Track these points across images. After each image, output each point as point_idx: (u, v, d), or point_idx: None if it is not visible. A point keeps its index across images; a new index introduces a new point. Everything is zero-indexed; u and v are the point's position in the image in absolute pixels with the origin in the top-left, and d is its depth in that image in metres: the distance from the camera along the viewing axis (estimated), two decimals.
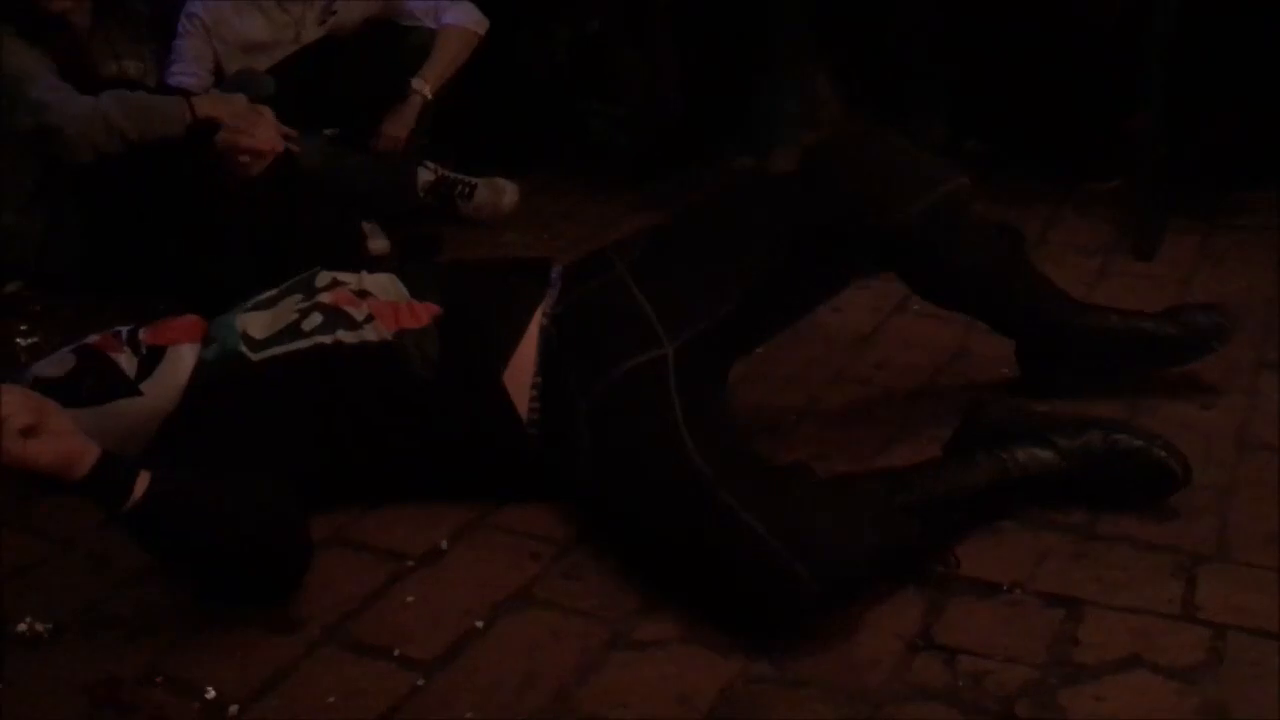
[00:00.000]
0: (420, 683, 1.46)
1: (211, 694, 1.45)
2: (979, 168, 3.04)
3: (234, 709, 1.43)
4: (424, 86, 2.76)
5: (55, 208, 2.53)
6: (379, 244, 2.67)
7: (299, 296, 1.82)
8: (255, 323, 1.78)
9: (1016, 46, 3.00)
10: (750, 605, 1.47)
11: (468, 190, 2.94)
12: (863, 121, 3.24)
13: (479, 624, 1.56)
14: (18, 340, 2.41)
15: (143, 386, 1.72)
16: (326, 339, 1.74)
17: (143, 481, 1.41)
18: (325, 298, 1.80)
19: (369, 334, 1.75)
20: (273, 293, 1.85)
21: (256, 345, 1.75)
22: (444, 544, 1.71)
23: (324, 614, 1.58)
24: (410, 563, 1.68)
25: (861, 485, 1.61)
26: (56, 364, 1.76)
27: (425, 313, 1.77)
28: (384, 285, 1.83)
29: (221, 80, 2.70)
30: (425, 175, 2.93)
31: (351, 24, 2.82)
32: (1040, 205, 2.84)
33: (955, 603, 1.54)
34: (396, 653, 1.51)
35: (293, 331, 1.75)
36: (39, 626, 1.56)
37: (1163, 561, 1.61)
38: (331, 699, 1.44)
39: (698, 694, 1.42)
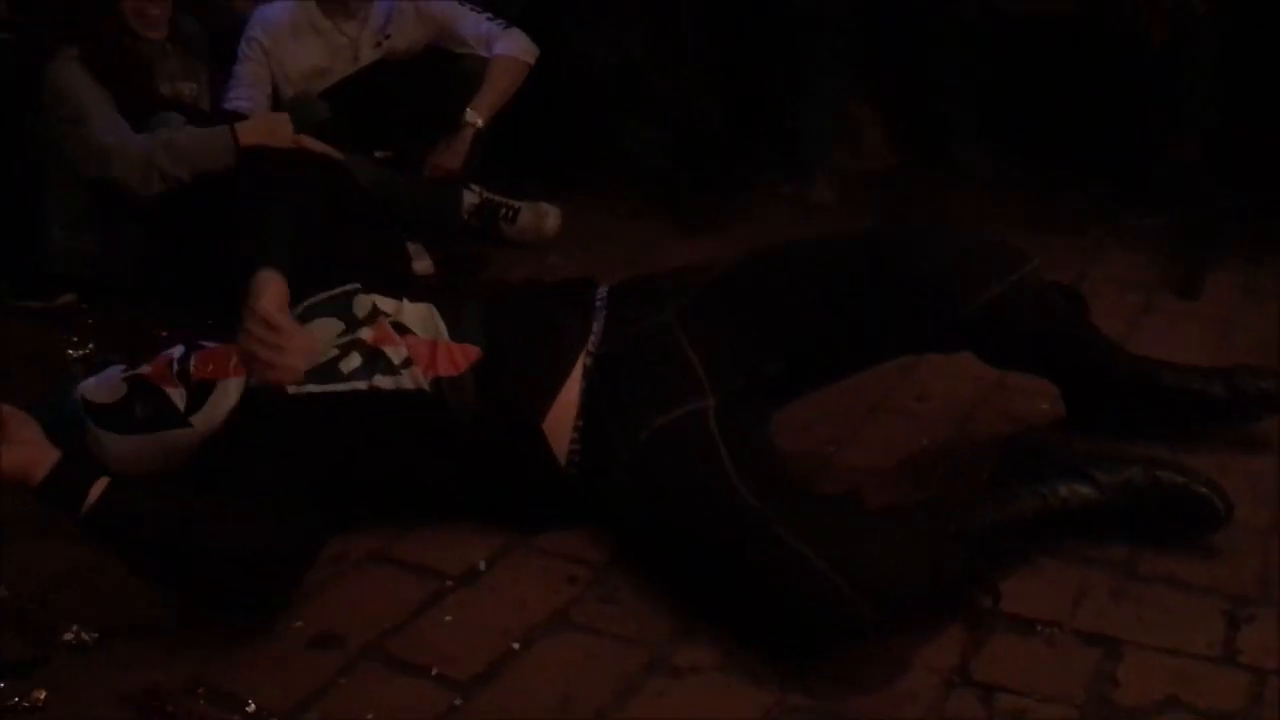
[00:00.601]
0: (458, 702, 1.48)
1: (252, 707, 1.47)
2: (1022, 199, 3.07)
3: None
4: (477, 118, 2.78)
5: (111, 223, 2.57)
6: (423, 264, 2.70)
7: (338, 324, 1.81)
8: None
9: (1060, 77, 3.00)
10: (801, 632, 1.47)
11: (511, 214, 2.97)
12: (898, 151, 3.26)
13: (516, 645, 1.57)
14: (69, 352, 2.45)
15: (193, 419, 1.76)
16: (363, 385, 1.74)
17: (99, 487, 1.48)
18: (365, 334, 1.79)
19: (406, 381, 1.75)
20: (314, 301, 1.84)
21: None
22: (482, 565, 1.73)
23: (363, 631, 1.60)
24: (449, 582, 1.69)
25: (910, 514, 1.61)
26: (108, 390, 1.79)
27: (464, 358, 1.77)
28: (423, 319, 1.82)
29: (278, 104, 2.74)
30: (470, 198, 2.96)
31: (405, 49, 2.86)
32: (1083, 239, 2.83)
33: (994, 639, 1.54)
34: (435, 672, 1.52)
35: (330, 372, 1.76)
36: (85, 635, 1.59)
37: (1204, 603, 1.60)
38: (370, 716, 1.46)
39: None
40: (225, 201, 2.15)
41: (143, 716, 1.47)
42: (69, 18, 2.54)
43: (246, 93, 2.72)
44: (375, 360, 1.77)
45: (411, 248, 2.64)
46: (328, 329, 1.81)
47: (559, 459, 1.74)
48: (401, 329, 1.80)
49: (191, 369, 1.78)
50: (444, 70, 2.85)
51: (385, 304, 1.84)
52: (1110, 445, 1.79)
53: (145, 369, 1.81)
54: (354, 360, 1.77)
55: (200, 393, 1.77)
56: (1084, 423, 1.95)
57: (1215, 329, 2.38)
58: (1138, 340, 2.32)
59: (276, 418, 1.74)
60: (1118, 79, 2.90)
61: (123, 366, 1.83)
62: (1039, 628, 1.56)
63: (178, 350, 1.81)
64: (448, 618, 1.63)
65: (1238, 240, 2.71)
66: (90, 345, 2.47)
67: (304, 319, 1.83)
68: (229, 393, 1.77)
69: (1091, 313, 1.98)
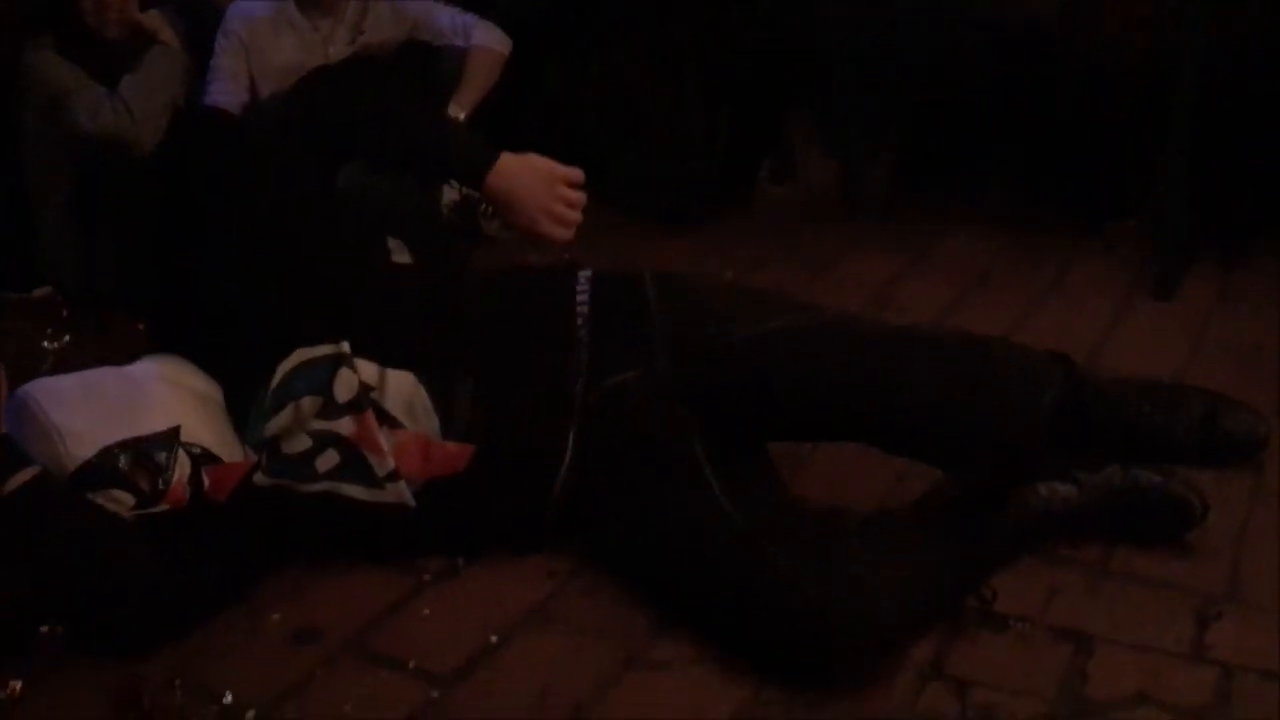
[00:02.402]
0: (436, 695, 1.48)
1: (229, 699, 1.47)
2: (1003, 202, 3.09)
3: (251, 714, 1.45)
4: (459, 112, 2.80)
5: (88, 235, 2.58)
6: (402, 257, 2.70)
7: (318, 402, 1.62)
8: (274, 426, 1.64)
9: (1038, 84, 3.02)
10: (789, 654, 1.47)
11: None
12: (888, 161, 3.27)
13: (494, 639, 1.57)
14: (44, 344, 2.46)
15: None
16: (337, 488, 1.63)
17: (22, 477, 1.46)
18: (346, 427, 1.61)
19: (387, 495, 1.63)
20: (295, 367, 1.64)
21: (268, 466, 1.64)
22: (460, 561, 1.73)
23: (342, 625, 1.60)
24: (427, 577, 1.70)
25: (896, 531, 1.62)
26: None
27: (461, 457, 1.64)
28: (407, 399, 1.63)
29: (257, 100, 2.74)
30: (450, 194, 2.95)
31: (380, 43, 2.86)
32: (1060, 242, 2.86)
33: (968, 634, 1.55)
34: (413, 665, 1.53)
35: (304, 466, 1.62)
36: (62, 628, 1.58)
37: (1174, 600, 1.62)
38: (348, 708, 1.46)
39: (710, 716, 1.43)
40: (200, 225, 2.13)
41: (120, 709, 1.47)
42: (39, 8, 2.58)
43: (227, 87, 2.72)
44: (355, 465, 1.62)
45: (392, 244, 2.64)
46: (306, 410, 1.62)
47: (546, 510, 1.69)
48: (386, 418, 1.63)
49: (206, 485, 1.62)
50: (424, 67, 2.86)
51: (366, 371, 1.63)
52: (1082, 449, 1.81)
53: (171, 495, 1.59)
54: (331, 458, 1.62)
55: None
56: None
57: (1190, 331, 2.40)
58: (1113, 342, 2.35)
59: (235, 500, 1.62)
60: (1098, 84, 2.92)
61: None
62: (1012, 623, 1.57)
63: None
64: (426, 611, 1.63)
65: (1212, 242, 2.74)
66: (66, 337, 2.48)
67: (281, 394, 1.63)
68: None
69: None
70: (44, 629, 1.57)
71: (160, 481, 1.57)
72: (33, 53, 2.56)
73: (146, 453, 1.57)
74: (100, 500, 1.55)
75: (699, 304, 1.76)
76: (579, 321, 1.72)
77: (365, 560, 1.71)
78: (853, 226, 3.01)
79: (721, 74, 3.15)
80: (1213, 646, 1.53)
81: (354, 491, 1.63)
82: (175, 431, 1.60)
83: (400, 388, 1.64)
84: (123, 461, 1.56)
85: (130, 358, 1.77)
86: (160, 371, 1.68)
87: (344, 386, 1.62)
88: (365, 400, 1.61)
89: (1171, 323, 2.44)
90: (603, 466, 1.66)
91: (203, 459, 1.61)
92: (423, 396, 1.64)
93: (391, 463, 1.62)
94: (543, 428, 1.67)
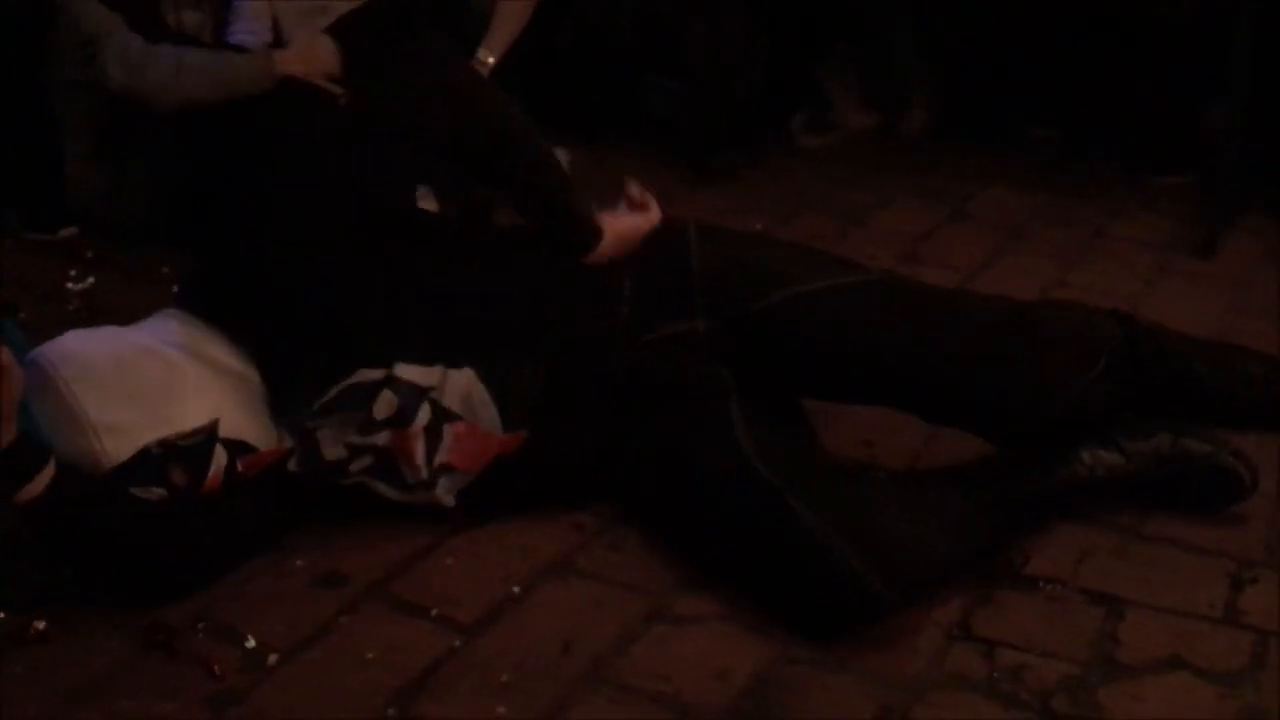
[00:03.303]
0: (458, 644, 1.48)
1: (252, 643, 1.47)
2: (1044, 157, 3.03)
3: (273, 658, 1.45)
4: (489, 57, 2.75)
5: (120, 161, 2.55)
6: (429, 205, 2.67)
7: (357, 418, 1.62)
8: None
9: (1089, 35, 2.95)
10: (818, 609, 1.46)
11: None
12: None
13: (517, 590, 1.57)
14: (69, 285, 2.45)
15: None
16: (370, 484, 1.64)
17: (44, 478, 1.43)
18: (381, 439, 1.61)
19: (418, 496, 1.64)
20: (333, 398, 1.63)
21: (302, 460, 1.64)
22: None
23: (367, 572, 1.60)
24: (452, 526, 1.69)
25: (929, 486, 1.60)
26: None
27: (512, 444, 1.65)
28: (464, 395, 1.63)
29: (279, 41, 2.70)
30: None
31: None
32: (1105, 197, 2.80)
33: (996, 595, 1.53)
34: (435, 613, 1.52)
35: (337, 470, 1.64)
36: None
37: (1209, 564, 1.59)
38: (370, 655, 1.46)
39: (735, 671, 1.42)
40: (232, 145, 2.10)
41: (144, 648, 1.47)
42: None
43: (249, 26, 2.68)
44: (388, 469, 1.63)
45: (420, 190, 2.61)
46: (348, 424, 1.62)
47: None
48: (447, 414, 1.63)
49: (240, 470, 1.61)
50: (453, 8, 2.80)
51: (427, 376, 1.63)
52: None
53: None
54: (364, 462, 1.64)
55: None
56: None
57: (1230, 290, 2.36)
58: (1152, 300, 2.30)
59: (267, 474, 1.62)
60: (1149, 37, 2.85)
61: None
62: (1042, 584, 1.55)
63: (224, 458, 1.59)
64: (449, 560, 1.63)
65: (1258, 201, 2.68)
66: (90, 279, 2.47)
67: (326, 407, 1.62)
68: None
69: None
70: (68, 571, 1.57)
71: (197, 479, 1.55)
72: None
73: (185, 451, 1.55)
74: (135, 492, 1.53)
75: (741, 259, 1.73)
76: (625, 275, 1.71)
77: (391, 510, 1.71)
78: (887, 178, 2.96)
79: (759, 4, 3.09)
80: (1247, 611, 1.51)
81: (385, 491, 1.65)
82: (214, 426, 1.57)
83: (458, 384, 1.64)
84: (159, 459, 1.53)
85: (151, 306, 1.77)
86: (188, 342, 1.63)
87: (384, 405, 1.61)
88: (403, 419, 1.61)
89: (1211, 281, 2.40)
90: (637, 419, 1.65)
91: (238, 448, 1.59)
92: (480, 390, 1.64)
93: (425, 473, 1.62)
94: (588, 405, 1.66)
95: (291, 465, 1.63)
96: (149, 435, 1.54)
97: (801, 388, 1.74)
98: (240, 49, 2.55)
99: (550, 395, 1.66)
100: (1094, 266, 2.47)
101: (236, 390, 1.63)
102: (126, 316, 1.79)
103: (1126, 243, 2.58)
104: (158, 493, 1.54)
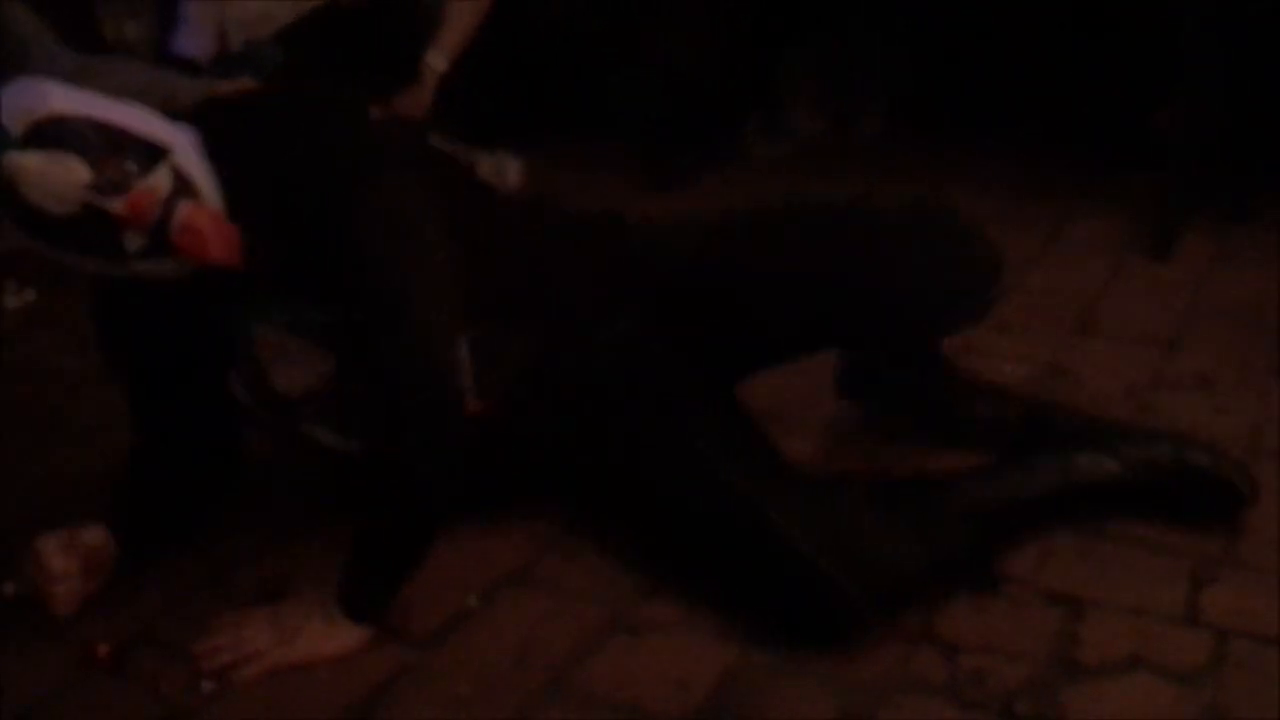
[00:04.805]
0: (412, 658, 1.45)
1: None
2: (995, 159, 3.04)
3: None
4: (439, 60, 2.69)
5: None
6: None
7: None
8: None
9: (1043, 36, 2.97)
10: (794, 620, 1.45)
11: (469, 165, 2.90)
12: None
13: (473, 602, 1.54)
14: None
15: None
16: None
17: None
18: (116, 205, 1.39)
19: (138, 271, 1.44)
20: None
21: None
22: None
23: (313, 585, 1.55)
24: None
25: (910, 493, 1.58)
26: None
27: (236, 244, 1.44)
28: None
29: (226, 49, 2.65)
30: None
31: None
32: (1056, 198, 2.81)
33: (957, 598, 1.52)
34: (389, 625, 1.49)
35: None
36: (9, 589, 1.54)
37: (1169, 564, 1.58)
38: (322, 671, 1.43)
39: (696, 679, 1.40)
40: None
41: (85, 668, 1.44)
42: None
43: (196, 37, 2.63)
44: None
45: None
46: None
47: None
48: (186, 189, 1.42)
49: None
50: (404, 10, 2.76)
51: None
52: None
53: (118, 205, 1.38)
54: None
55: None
56: None
57: (1184, 292, 2.37)
58: (1105, 303, 2.31)
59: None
60: (1101, 36, 2.87)
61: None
62: (1003, 586, 1.54)
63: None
64: None
65: (1211, 204, 2.69)
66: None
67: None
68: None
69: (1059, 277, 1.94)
70: (8, 589, 1.53)
71: (127, 179, 1.37)
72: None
73: (127, 147, 1.38)
74: (53, 165, 1.33)
75: (665, 242, 1.71)
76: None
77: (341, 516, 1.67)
78: (842, 183, 2.95)
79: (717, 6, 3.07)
80: (1208, 610, 1.50)
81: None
82: (168, 149, 1.41)
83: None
84: (94, 138, 1.36)
85: None
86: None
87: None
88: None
89: (1165, 284, 2.40)
90: (595, 420, 1.62)
91: (184, 192, 1.40)
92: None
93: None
94: (568, 387, 1.63)
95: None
96: (99, 115, 1.38)
97: (736, 345, 1.69)
98: (184, 61, 2.51)
99: (534, 370, 1.61)
100: (1051, 267, 2.48)
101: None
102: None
103: (1080, 246, 2.59)
104: (78, 170, 1.34)
